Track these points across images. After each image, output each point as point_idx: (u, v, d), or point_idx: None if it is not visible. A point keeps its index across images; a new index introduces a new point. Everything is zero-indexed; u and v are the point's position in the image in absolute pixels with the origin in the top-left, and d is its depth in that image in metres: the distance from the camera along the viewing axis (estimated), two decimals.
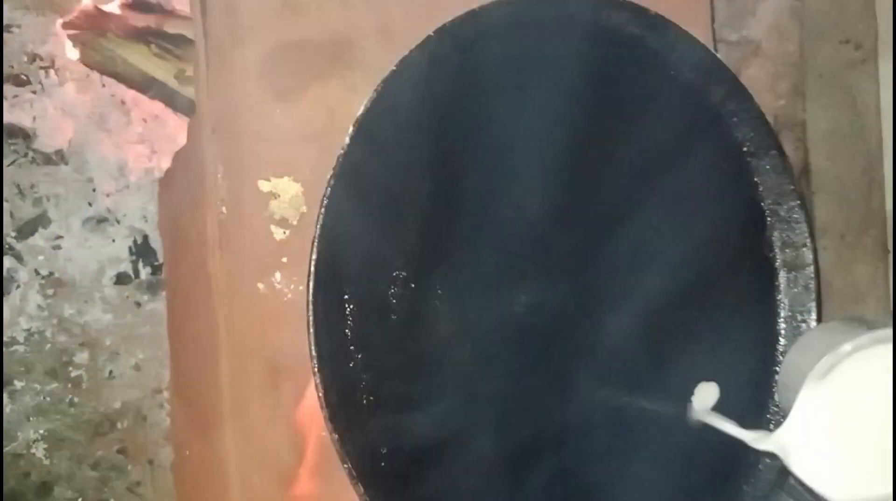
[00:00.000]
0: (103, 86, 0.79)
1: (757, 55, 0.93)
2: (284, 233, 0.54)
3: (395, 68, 0.48)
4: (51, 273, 0.78)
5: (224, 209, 0.56)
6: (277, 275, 0.53)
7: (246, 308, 0.54)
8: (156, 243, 0.81)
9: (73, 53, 0.75)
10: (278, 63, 0.54)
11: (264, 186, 0.54)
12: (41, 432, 0.77)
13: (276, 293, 0.54)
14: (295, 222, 0.54)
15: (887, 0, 0.91)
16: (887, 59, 0.93)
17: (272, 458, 0.53)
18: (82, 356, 0.79)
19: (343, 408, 0.47)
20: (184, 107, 0.77)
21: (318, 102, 0.53)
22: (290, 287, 0.54)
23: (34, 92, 0.78)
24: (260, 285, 0.54)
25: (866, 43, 0.94)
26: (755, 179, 0.66)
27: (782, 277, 0.67)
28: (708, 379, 0.54)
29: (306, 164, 0.54)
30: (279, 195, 0.54)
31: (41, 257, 0.78)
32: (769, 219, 0.67)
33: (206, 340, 0.60)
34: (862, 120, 0.94)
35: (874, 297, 0.94)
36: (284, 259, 0.54)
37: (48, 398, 0.78)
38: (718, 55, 0.61)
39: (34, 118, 0.78)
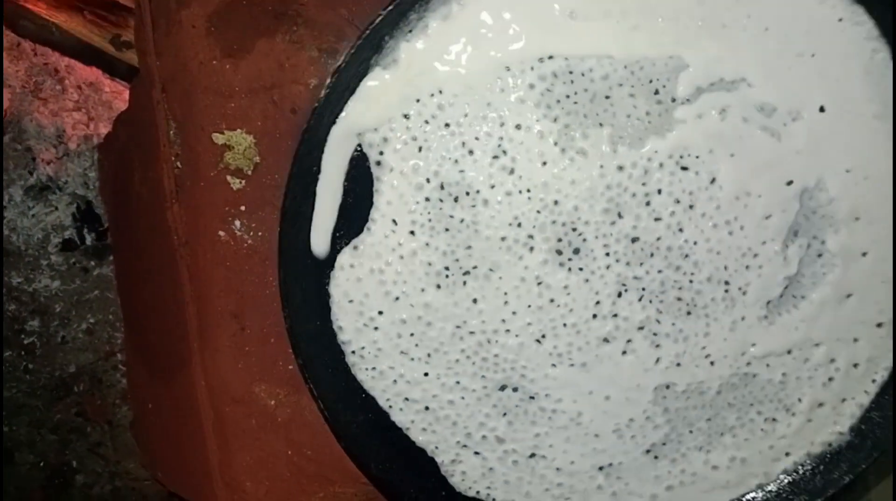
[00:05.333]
0: (35, 54, 0.79)
1: None
2: (241, 183, 0.57)
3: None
4: None
5: (179, 164, 0.59)
6: (237, 222, 0.57)
7: (208, 256, 0.57)
8: (100, 208, 0.82)
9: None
10: (225, 20, 0.56)
11: (218, 139, 0.57)
12: None
13: (237, 240, 0.57)
14: (250, 173, 0.57)
15: None
16: None
17: (243, 392, 0.57)
18: (33, 324, 0.80)
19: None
20: (120, 72, 0.78)
21: (267, 56, 0.56)
22: (249, 233, 0.57)
23: None
24: (221, 233, 0.57)
25: None
26: None
27: None
28: None
29: (258, 116, 0.57)
30: (233, 147, 0.57)
31: None
32: None
33: (168, 292, 0.63)
34: None
35: None
36: (243, 207, 0.57)
37: (3, 367, 0.79)
38: None
39: None
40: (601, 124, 0.50)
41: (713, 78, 0.50)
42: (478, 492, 0.57)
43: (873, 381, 0.58)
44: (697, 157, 0.51)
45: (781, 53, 0.51)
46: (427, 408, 0.54)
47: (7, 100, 0.78)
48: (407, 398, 0.54)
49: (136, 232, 0.71)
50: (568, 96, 0.49)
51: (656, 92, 0.50)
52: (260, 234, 0.57)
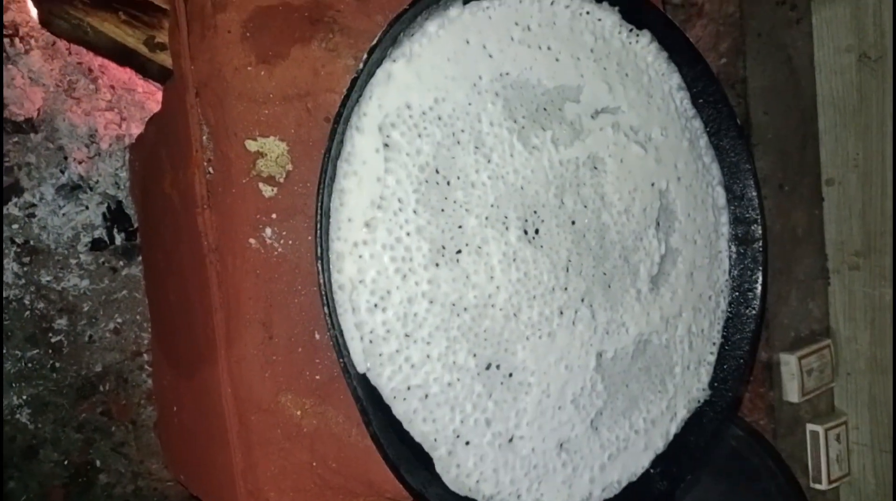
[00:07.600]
0: (70, 53, 0.80)
1: (700, 16, 0.98)
2: (272, 190, 0.56)
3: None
4: (26, 241, 0.79)
5: (211, 170, 0.58)
6: (268, 231, 0.56)
7: (238, 263, 0.57)
8: (130, 209, 0.83)
9: (38, 21, 0.76)
10: (260, 27, 0.56)
11: (251, 145, 0.56)
12: (24, 397, 0.79)
13: (268, 248, 0.56)
14: (282, 180, 0.57)
15: None
16: (820, 18, 0.99)
17: (269, 401, 0.56)
18: (61, 322, 0.81)
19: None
20: (153, 73, 0.78)
21: (302, 64, 0.56)
22: (280, 242, 0.56)
23: None
24: (251, 241, 0.56)
25: (801, 3, 1.00)
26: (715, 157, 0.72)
27: (733, 250, 0.72)
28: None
29: (291, 123, 0.56)
30: (266, 154, 0.56)
31: (15, 226, 0.79)
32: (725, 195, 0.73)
33: (196, 297, 0.62)
34: (797, 76, 1.00)
35: (811, 241, 1.01)
36: (274, 215, 0.56)
37: (30, 365, 0.79)
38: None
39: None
40: (544, 128, 0.61)
41: (602, 105, 0.64)
42: (469, 489, 0.57)
43: (713, 344, 0.71)
44: (602, 159, 0.64)
45: (638, 91, 0.67)
46: (427, 396, 0.55)
47: (41, 98, 0.79)
48: (409, 386, 0.54)
49: (164, 234, 0.71)
50: (522, 104, 0.60)
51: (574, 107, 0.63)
52: (291, 242, 0.56)
